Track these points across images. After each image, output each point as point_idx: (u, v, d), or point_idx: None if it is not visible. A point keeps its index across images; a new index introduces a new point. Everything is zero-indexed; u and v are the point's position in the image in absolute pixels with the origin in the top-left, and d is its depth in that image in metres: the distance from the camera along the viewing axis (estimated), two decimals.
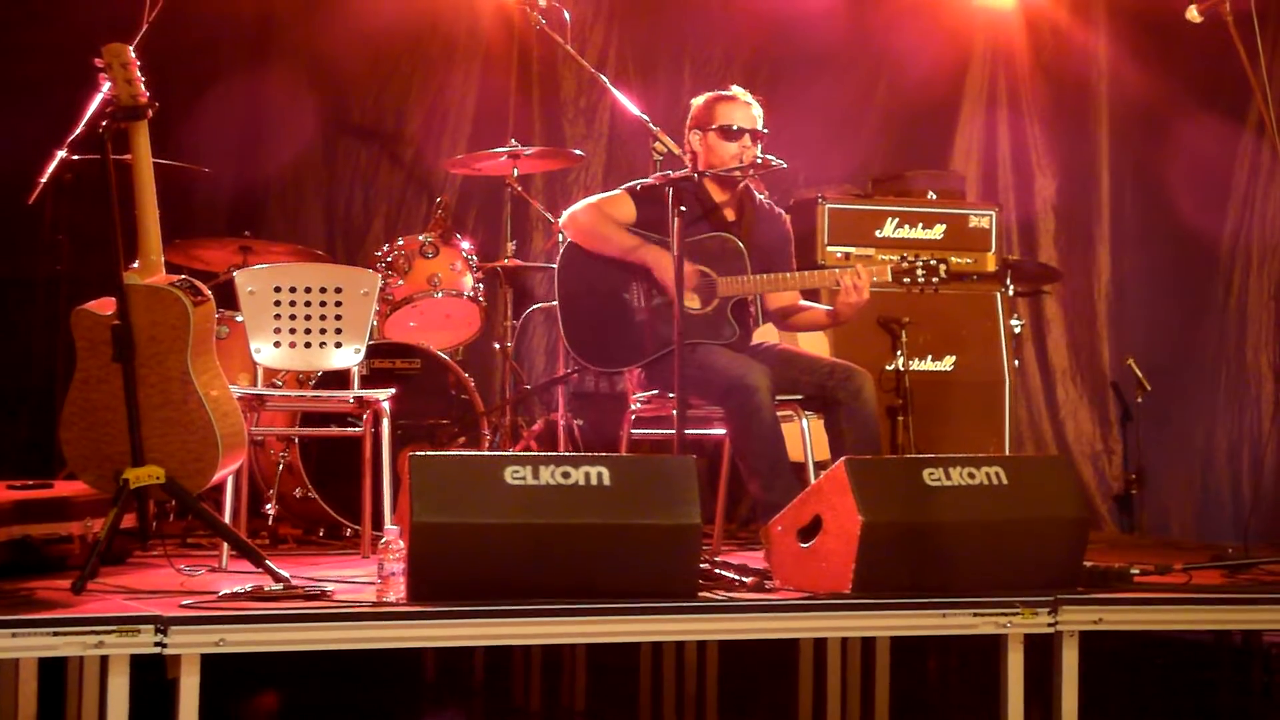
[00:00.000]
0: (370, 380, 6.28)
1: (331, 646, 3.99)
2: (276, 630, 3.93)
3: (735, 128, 5.68)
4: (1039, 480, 4.71)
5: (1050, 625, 4.40)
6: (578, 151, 7.74)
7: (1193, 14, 5.74)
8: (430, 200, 7.80)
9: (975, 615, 4.36)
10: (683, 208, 5.07)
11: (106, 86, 4.71)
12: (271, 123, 8.06)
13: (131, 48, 4.64)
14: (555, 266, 5.82)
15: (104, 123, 4.56)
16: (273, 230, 7.90)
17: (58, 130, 5.94)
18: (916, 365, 7.23)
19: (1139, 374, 8.31)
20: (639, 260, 5.62)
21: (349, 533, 6.40)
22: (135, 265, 4.63)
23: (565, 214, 5.83)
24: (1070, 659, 4.43)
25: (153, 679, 3.89)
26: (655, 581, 4.26)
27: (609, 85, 5.96)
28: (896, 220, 7.47)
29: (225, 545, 5.09)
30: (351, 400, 5.83)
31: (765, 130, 5.75)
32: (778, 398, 5.44)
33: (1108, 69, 8.90)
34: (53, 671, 4.34)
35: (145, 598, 4.29)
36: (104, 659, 3.82)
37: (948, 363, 7.39)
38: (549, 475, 4.24)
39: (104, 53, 4.61)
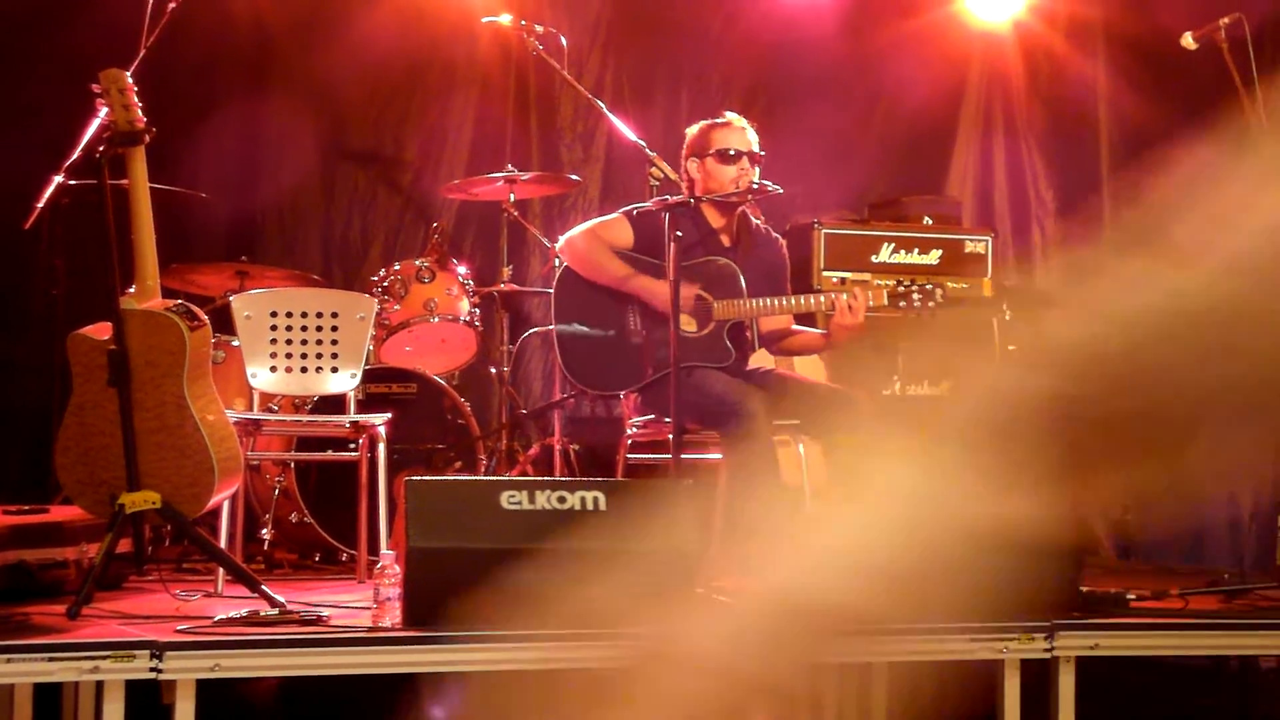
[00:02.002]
0: (366, 405, 6.28)
1: (327, 671, 3.99)
2: (272, 655, 3.93)
3: (732, 151, 5.70)
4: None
5: (1047, 650, 4.40)
6: (574, 176, 7.75)
7: (1188, 40, 5.76)
8: (427, 225, 7.81)
9: (972, 640, 4.36)
10: (679, 233, 5.08)
11: (104, 112, 4.73)
12: (269, 148, 8.06)
13: (129, 73, 4.65)
14: (552, 291, 5.83)
15: (101, 148, 4.57)
16: (269, 255, 7.90)
17: (55, 155, 5.95)
18: (913, 390, 7.23)
19: None
20: (631, 290, 5.63)
21: (345, 558, 6.38)
22: (131, 290, 4.64)
23: (563, 239, 5.83)
24: (1067, 684, 4.43)
25: (148, 704, 3.88)
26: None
27: (606, 111, 5.98)
28: (893, 245, 7.47)
29: (221, 570, 5.08)
30: (348, 425, 5.82)
31: (762, 154, 5.77)
32: (774, 422, 5.44)
33: (1105, 95, 8.91)
34: (48, 697, 4.33)
35: (141, 623, 4.28)
36: (99, 684, 3.82)
37: (944, 388, 7.39)
38: (545, 500, 4.24)
39: (101, 78, 4.62)
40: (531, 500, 4.24)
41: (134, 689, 3.82)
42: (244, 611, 4.25)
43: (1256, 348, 3.26)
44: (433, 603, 4.12)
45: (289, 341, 5.92)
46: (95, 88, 4.64)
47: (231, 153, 7.88)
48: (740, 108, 6.17)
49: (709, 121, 5.83)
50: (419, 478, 4.27)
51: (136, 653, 3.77)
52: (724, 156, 5.71)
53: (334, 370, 5.95)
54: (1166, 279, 3.45)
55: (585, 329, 5.70)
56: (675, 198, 5.31)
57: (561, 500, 4.26)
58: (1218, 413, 3.35)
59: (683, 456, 5.02)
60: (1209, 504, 8.45)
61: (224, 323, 6.01)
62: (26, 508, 5.46)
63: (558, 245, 5.92)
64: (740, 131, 5.77)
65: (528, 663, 4.31)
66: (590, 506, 4.27)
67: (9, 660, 3.72)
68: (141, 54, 6.01)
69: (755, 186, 5.63)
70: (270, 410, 6.34)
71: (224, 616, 4.19)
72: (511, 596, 4.12)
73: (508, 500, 4.22)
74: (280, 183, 8.10)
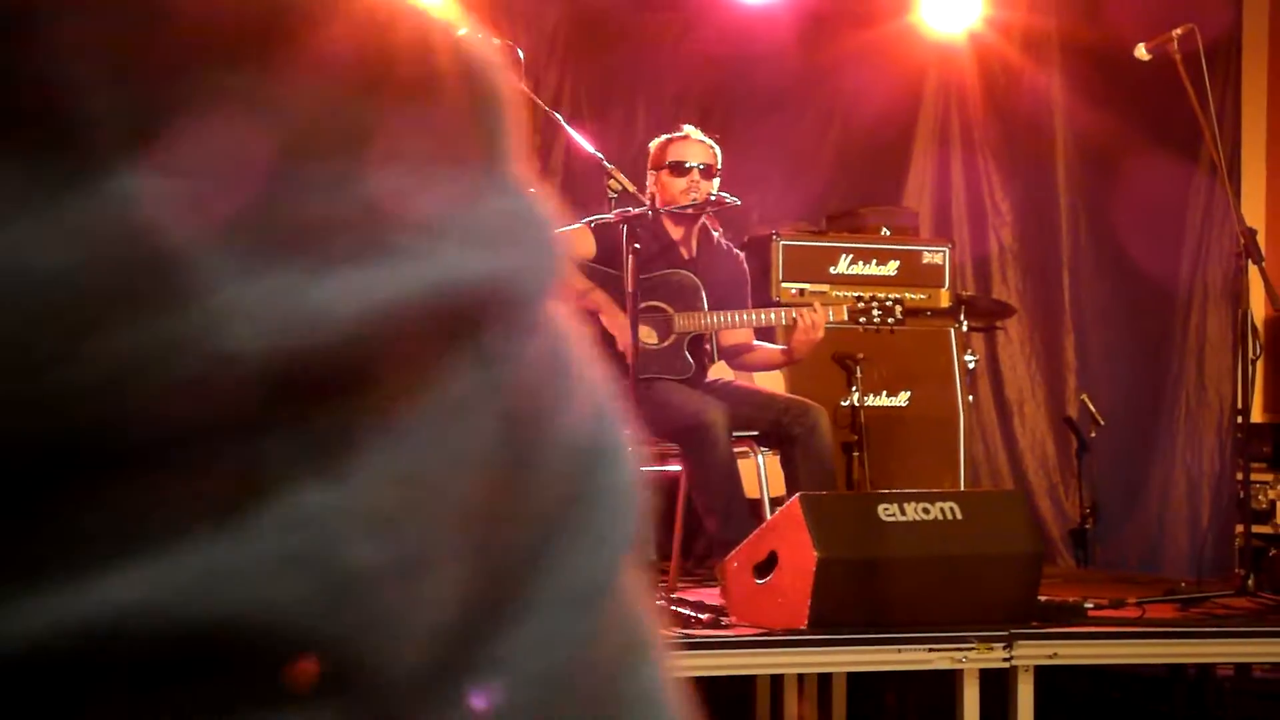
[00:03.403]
0: None
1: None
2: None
3: (687, 164, 5.72)
4: (993, 515, 4.74)
5: (1005, 660, 4.41)
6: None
7: (1141, 52, 5.80)
8: None
9: (930, 650, 4.37)
10: (637, 245, 5.09)
11: None
12: None
13: None
14: None
15: None
16: None
17: None
18: (871, 401, 7.24)
19: (1093, 409, 8.35)
20: (589, 306, 5.64)
21: None
22: None
23: None
24: (1026, 693, 4.44)
25: None
26: None
27: (563, 123, 5.97)
28: (850, 256, 7.49)
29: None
30: None
31: (708, 164, 5.79)
32: (734, 434, 5.45)
33: (1061, 106, 8.96)
34: None
35: None
36: None
37: (903, 398, 7.41)
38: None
39: None
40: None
41: None
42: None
43: None
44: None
45: None
46: None
47: None
48: (696, 120, 6.19)
49: (669, 135, 5.87)
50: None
51: None
52: (676, 169, 5.75)
53: None
54: None
55: None
56: (635, 210, 5.33)
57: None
58: None
59: (642, 469, 5.01)
60: (1167, 512, 8.51)
61: None
62: None
63: None
64: (695, 145, 5.79)
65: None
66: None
67: None
68: None
69: (713, 199, 5.65)
70: None
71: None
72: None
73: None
74: None
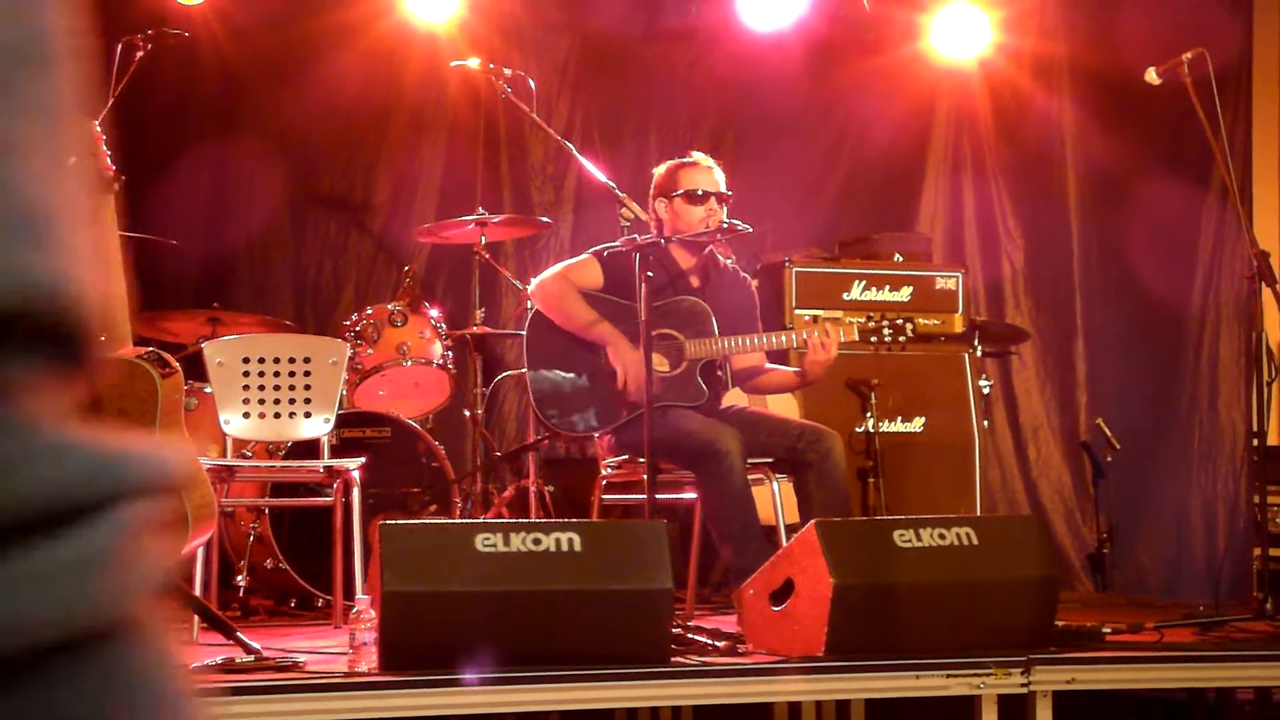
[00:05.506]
0: (340, 449, 6.27)
1: (303, 719, 3.97)
2: (248, 703, 3.91)
3: (700, 191, 5.72)
4: (1009, 540, 4.72)
5: (1023, 685, 4.40)
6: (545, 219, 7.75)
7: (1152, 76, 5.80)
8: (399, 269, 7.82)
9: (948, 676, 4.36)
10: (650, 273, 5.09)
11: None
12: (239, 194, 8.07)
13: (97, 121, 4.66)
14: (524, 333, 5.83)
15: None
16: (241, 301, 7.89)
17: None
18: (886, 427, 7.25)
19: (1108, 433, 8.34)
20: (596, 338, 5.63)
21: (321, 603, 6.37)
22: (102, 338, 4.63)
23: (534, 282, 5.84)
24: (1044, 719, 4.43)
25: None
26: (628, 647, 4.25)
27: (576, 153, 5.99)
28: (864, 283, 7.49)
29: (195, 617, 5.06)
30: (321, 470, 5.81)
31: (730, 193, 5.79)
32: (748, 460, 5.45)
33: (1071, 132, 8.97)
34: None
35: None
36: None
37: (917, 424, 7.40)
38: (520, 542, 4.23)
39: None
40: (506, 543, 4.22)
41: None
42: (219, 659, 4.23)
43: None
44: (409, 647, 4.11)
45: (261, 387, 5.90)
46: None
47: (201, 199, 7.89)
48: (708, 147, 6.20)
49: (676, 161, 5.85)
50: (393, 522, 4.26)
51: None
52: (691, 197, 5.73)
53: (307, 415, 5.94)
54: None
55: (558, 371, 5.71)
56: (645, 238, 5.33)
57: (536, 542, 4.25)
58: None
59: (657, 496, 5.02)
60: (1184, 536, 8.49)
61: (196, 369, 6.00)
62: None
63: (529, 288, 5.93)
64: (707, 171, 5.79)
65: (504, 706, 4.30)
66: (565, 548, 4.26)
67: None
68: (110, 102, 6.02)
69: (724, 226, 5.65)
70: (244, 456, 6.33)
71: (199, 664, 4.17)
72: (487, 639, 4.13)
73: (482, 543, 4.21)
74: (251, 228, 8.10)
